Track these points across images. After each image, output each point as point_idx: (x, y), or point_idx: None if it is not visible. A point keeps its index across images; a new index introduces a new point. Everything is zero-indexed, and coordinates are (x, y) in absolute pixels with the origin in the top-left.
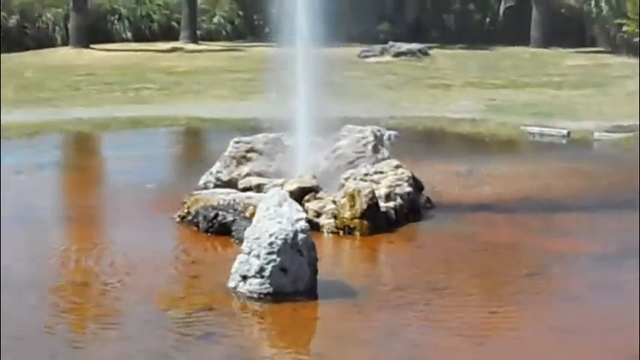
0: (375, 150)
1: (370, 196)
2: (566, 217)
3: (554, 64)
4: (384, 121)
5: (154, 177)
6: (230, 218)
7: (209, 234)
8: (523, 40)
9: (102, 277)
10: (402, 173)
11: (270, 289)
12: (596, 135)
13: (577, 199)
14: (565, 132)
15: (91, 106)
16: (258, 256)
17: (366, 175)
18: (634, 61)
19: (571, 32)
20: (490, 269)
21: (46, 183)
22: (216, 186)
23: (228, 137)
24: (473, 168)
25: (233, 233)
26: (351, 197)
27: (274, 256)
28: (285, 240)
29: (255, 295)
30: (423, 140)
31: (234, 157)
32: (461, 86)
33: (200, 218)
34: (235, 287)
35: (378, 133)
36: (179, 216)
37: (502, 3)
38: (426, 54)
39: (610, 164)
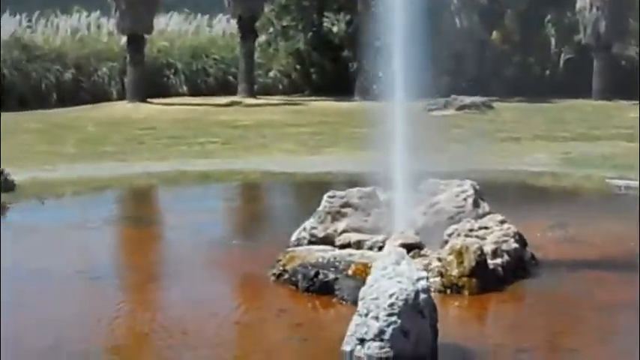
0: (476, 204)
1: (478, 252)
2: None
3: (619, 117)
4: (462, 175)
5: (238, 233)
6: (332, 277)
7: (309, 293)
8: (584, 92)
9: (205, 339)
10: (508, 229)
11: (391, 353)
12: None
13: None
14: None
15: (158, 160)
16: (377, 318)
17: (470, 230)
18: None
19: (632, 84)
20: (614, 330)
21: (130, 239)
22: (310, 242)
23: (304, 192)
24: (567, 223)
25: (336, 292)
26: (459, 254)
27: (395, 318)
28: (406, 300)
29: None
30: (508, 195)
31: (328, 213)
32: (531, 139)
33: (299, 277)
34: (352, 351)
35: (478, 187)
36: (274, 274)
37: (562, 55)
38: (490, 107)
39: None
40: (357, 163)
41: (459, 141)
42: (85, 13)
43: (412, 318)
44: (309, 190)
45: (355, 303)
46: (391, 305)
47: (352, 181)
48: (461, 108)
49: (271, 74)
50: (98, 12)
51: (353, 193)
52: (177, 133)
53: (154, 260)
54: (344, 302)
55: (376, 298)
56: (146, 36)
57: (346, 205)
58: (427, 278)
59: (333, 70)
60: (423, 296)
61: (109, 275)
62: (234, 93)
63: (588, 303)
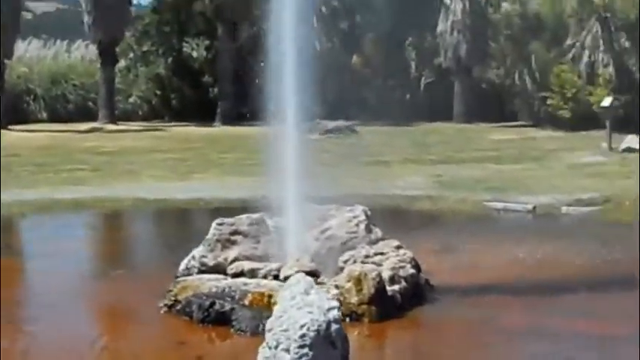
0: (368, 230)
1: (378, 279)
2: (573, 297)
3: (481, 139)
4: (340, 200)
5: (121, 263)
6: (228, 307)
7: (205, 324)
8: (444, 115)
9: None
10: (404, 254)
11: None
12: (564, 209)
13: (572, 277)
14: (530, 207)
15: (26, 188)
16: (287, 350)
17: (366, 257)
18: (558, 134)
19: (491, 107)
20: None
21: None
22: (200, 271)
23: (178, 218)
24: (453, 247)
25: (233, 323)
26: (357, 281)
27: (306, 350)
28: (317, 331)
29: None
30: (387, 220)
31: (218, 240)
32: (400, 162)
33: (194, 307)
34: None
35: (369, 213)
36: (165, 305)
37: (422, 78)
38: (353, 131)
39: (589, 238)
40: (227, 189)
41: (330, 165)
42: None
43: (324, 349)
44: (184, 217)
45: (254, 334)
46: (302, 337)
47: (226, 207)
48: (325, 132)
49: (131, 100)
50: None
51: (242, 220)
52: (43, 160)
53: (34, 292)
54: (242, 333)
55: (286, 330)
56: (6, 61)
57: (236, 232)
58: (338, 308)
59: (193, 95)
60: (334, 327)
61: None
62: (94, 119)
63: (488, 329)
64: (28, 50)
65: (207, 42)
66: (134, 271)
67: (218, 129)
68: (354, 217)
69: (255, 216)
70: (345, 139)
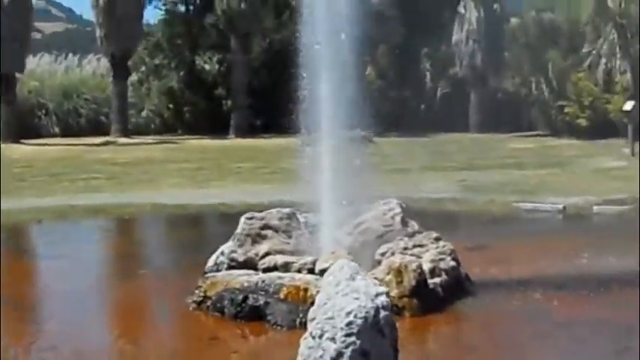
0: (404, 223)
1: (419, 271)
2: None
3: (499, 148)
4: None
5: (144, 264)
6: (262, 301)
7: (238, 320)
8: (460, 126)
9: None
10: (444, 246)
11: None
12: (596, 209)
13: (614, 272)
14: (560, 207)
15: (43, 196)
16: (333, 339)
17: (405, 249)
18: (577, 142)
19: (507, 116)
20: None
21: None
22: (230, 267)
23: (200, 221)
24: (483, 244)
25: (269, 318)
26: (398, 273)
27: (353, 338)
28: (365, 319)
29: None
30: (416, 220)
31: (248, 235)
32: (419, 170)
33: (225, 302)
34: None
35: (404, 205)
36: (194, 302)
37: (438, 89)
38: (370, 141)
39: (625, 234)
40: (247, 194)
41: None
42: None
43: (372, 338)
44: (207, 220)
45: (290, 328)
46: (349, 324)
47: (249, 211)
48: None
49: (143, 114)
50: None
51: (273, 215)
52: (57, 170)
53: (62, 290)
54: (278, 327)
55: (331, 318)
56: (18, 75)
57: (266, 227)
58: (387, 294)
59: (206, 108)
60: (383, 313)
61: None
62: (106, 133)
63: (538, 322)
64: (39, 65)
65: (220, 55)
66: (161, 271)
67: (232, 141)
68: (389, 210)
69: (285, 210)
70: (363, 149)
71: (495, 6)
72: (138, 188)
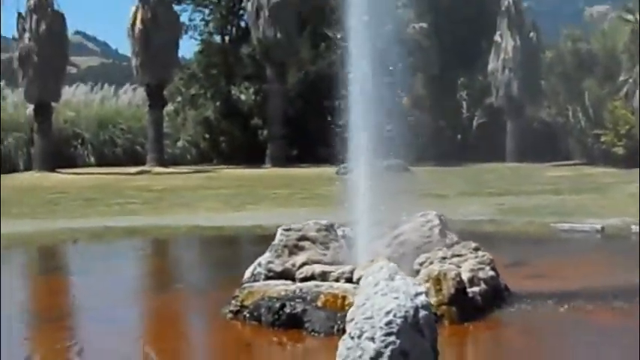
0: (443, 234)
1: (458, 279)
2: None
3: (536, 176)
4: None
5: (179, 278)
6: (299, 308)
7: (275, 328)
8: (496, 156)
9: None
10: (483, 256)
11: None
12: (634, 228)
13: None
14: (599, 227)
15: (76, 218)
16: (372, 339)
17: (444, 258)
18: (613, 170)
19: (544, 146)
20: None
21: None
22: (267, 278)
23: (237, 241)
24: (521, 261)
25: (306, 325)
26: (437, 281)
27: (393, 338)
28: (405, 318)
29: None
30: None
31: (285, 246)
32: (456, 196)
33: (262, 311)
34: None
35: (443, 217)
36: (231, 311)
37: (475, 119)
38: (406, 169)
39: None
40: (282, 217)
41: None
42: None
43: (412, 337)
44: (243, 241)
45: (328, 334)
46: (388, 323)
47: None
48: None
49: (179, 144)
50: (2, 82)
51: (310, 226)
52: (92, 195)
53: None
54: (316, 334)
55: (370, 317)
56: (53, 104)
57: (303, 238)
58: (426, 293)
59: (242, 138)
60: (423, 313)
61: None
62: (142, 163)
63: (583, 330)
64: (75, 95)
65: (256, 86)
66: (195, 284)
67: (268, 170)
68: (427, 222)
69: (323, 222)
70: (399, 177)
71: (531, 34)
72: (173, 212)
